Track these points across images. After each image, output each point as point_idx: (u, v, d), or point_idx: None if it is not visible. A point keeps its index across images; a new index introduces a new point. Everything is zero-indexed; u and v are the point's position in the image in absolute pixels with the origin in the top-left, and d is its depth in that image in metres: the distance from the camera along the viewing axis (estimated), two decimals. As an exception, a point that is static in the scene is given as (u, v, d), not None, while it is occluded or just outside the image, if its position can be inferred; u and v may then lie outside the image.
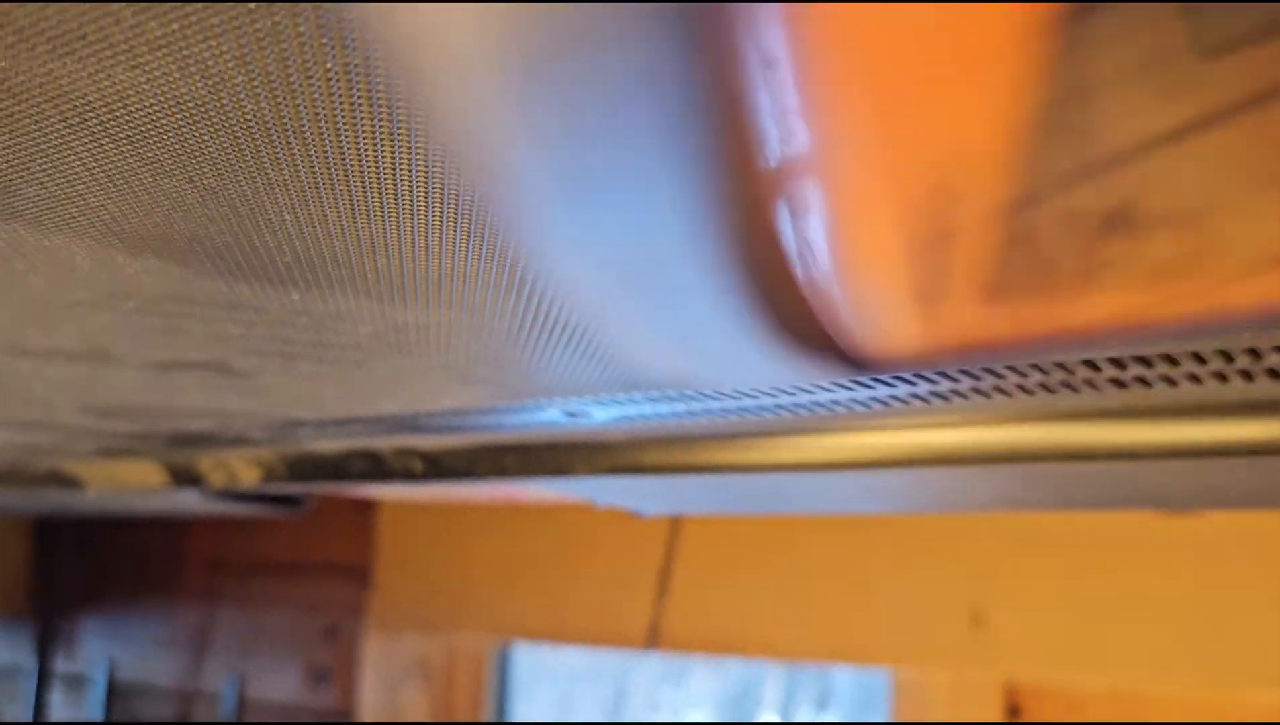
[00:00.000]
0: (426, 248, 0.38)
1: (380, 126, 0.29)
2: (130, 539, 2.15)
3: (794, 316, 0.16)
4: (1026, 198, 0.15)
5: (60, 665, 2.20)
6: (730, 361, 0.17)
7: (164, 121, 0.28)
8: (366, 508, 1.82)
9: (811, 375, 0.18)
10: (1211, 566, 1.16)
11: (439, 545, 1.72)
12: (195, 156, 0.31)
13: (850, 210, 0.15)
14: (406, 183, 0.32)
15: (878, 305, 0.16)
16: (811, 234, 0.15)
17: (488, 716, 1.83)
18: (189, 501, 1.18)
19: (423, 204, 0.34)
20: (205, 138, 0.29)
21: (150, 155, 0.31)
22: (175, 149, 0.30)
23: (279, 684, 1.90)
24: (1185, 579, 1.17)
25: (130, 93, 0.27)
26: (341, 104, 0.27)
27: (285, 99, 0.27)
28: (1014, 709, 1.31)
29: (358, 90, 0.26)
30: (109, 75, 0.26)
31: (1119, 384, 0.49)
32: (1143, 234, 0.15)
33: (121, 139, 0.29)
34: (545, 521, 1.62)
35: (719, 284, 0.15)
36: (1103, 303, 0.17)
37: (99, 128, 0.29)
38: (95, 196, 0.34)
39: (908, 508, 1.10)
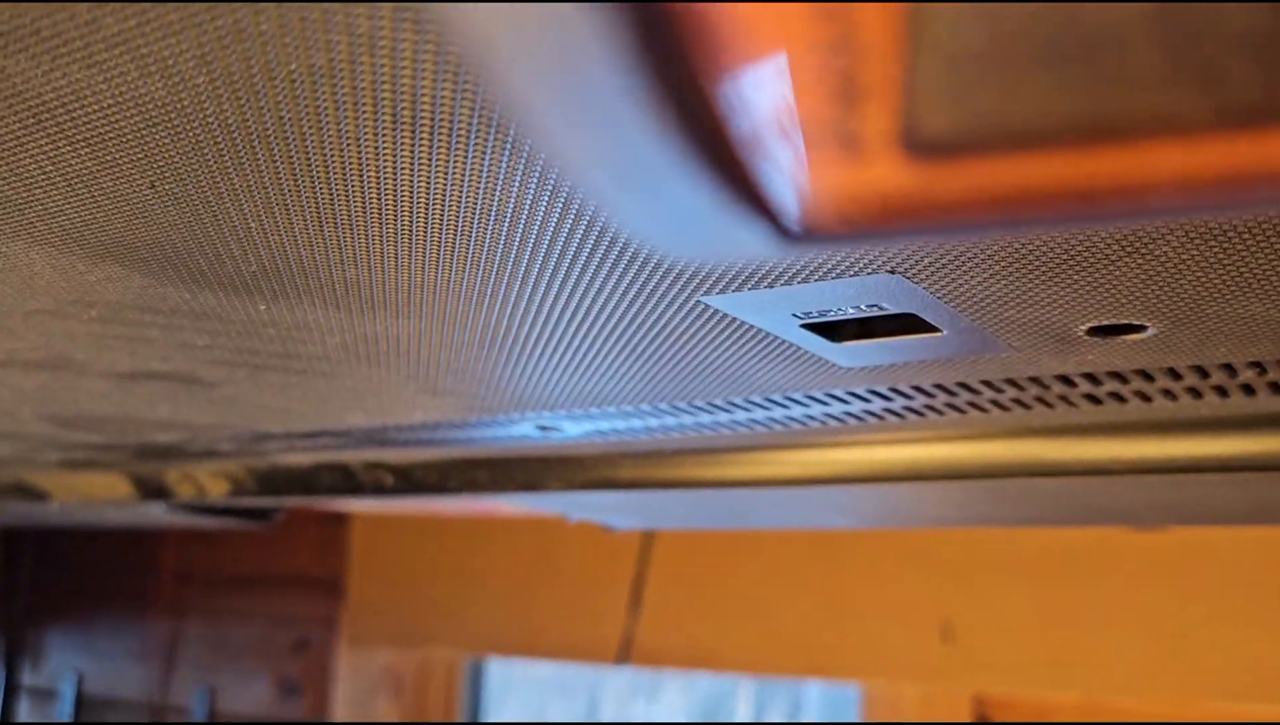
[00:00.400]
0: (396, 258, 0.37)
1: (346, 132, 0.28)
2: (98, 550, 2.12)
3: (729, 173, 0.16)
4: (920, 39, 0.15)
5: (27, 678, 2.17)
6: (674, 216, 0.17)
7: (123, 123, 0.28)
8: (338, 520, 1.80)
9: (745, 242, 0.18)
10: (1178, 581, 1.17)
11: (411, 558, 1.71)
12: (156, 161, 0.30)
13: (763, 61, 0.15)
14: (375, 191, 0.32)
15: (799, 162, 0.16)
16: (738, 89, 0.15)
17: (459, 732, 1.81)
18: (156, 514, 1.16)
19: (392, 213, 0.33)
20: (166, 141, 0.29)
21: (110, 159, 0.30)
22: (135, 153, 0.29)
23: (249, 697, 1.88)
24: (1152, 593, 1.18)
25: (87, 92, 0.26)
26: (306, 108, 0.27)
27: (248, 101, 0.26)
28: (982, 719, 1.31)
29: (322, 94, 0.26)
30: (64, 74, 0.25)
31: (1093, 400, 0.49)
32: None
33: (79, 141, 0.29)
34: (518, 535, 1.61)
35: (663, 139, 0.15)
36: (1028, 168, 0.16)
37: (55, 129, 0.28)
38: (54, 201, 0.33)
39: (880, 523, 1.09)
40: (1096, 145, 0.17)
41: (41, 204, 0.33)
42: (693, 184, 0.17)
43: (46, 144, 0.29)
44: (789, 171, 0.17)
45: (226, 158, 0.30)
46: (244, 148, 0.29)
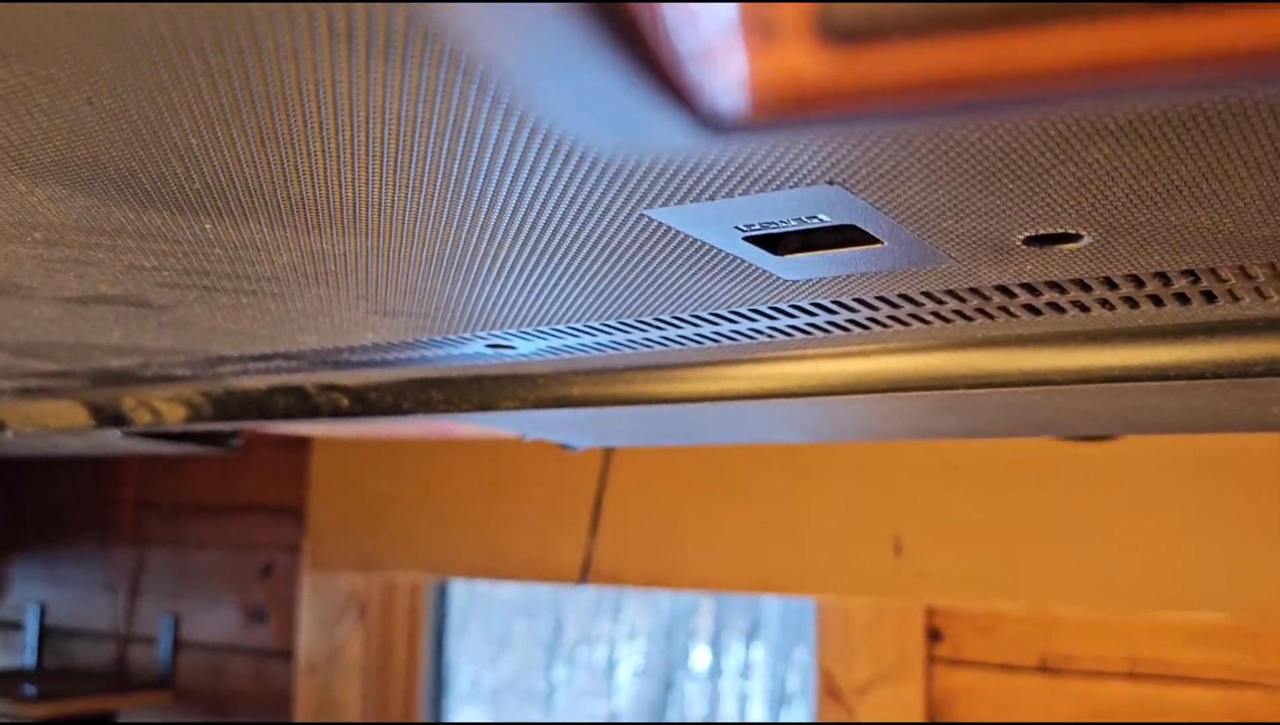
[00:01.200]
0: (340, 174, 0.37)
1: (283, 43, 0.28)
2: (59, 481, 2.11)
3: (646, 61, 0.16)
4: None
5: (-12, 610, 2.17)
6: (593, 106, 0.18)
7: (54, 34, 0.27)
8: (298, 445, 1.80)
9: (665, 132, 0.18)
10: (1123, 491, 1.20)
11: (372, 482, 1.72)
12: (91, 75, 0.30)
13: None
14: (314, 105, 0.32)
15: (717, 51, 0.16)
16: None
17: (425, 650, 1.84)
18: (114, 441, 1.16)
19: (332, 127, 0.33)
20: (99, 54, 0.28)
21: (44, 74, 0.30)
22: (69, 67, 0.29)
23: (215, 624, 1.89)
24: (1097, 504, 1.21)
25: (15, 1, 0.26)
26: (239, 17, 0.26)
27: (179, 10, 0.26)
28: (934, 631, 1.34)
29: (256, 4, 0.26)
30: (-10, -16, 0.25)
31: (1033, 310, 0.50)
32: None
33: (11, 55, 0.28)
34: (478, 456, 1.62)
35: (579, 27, 0.15)
36: (937, 56, 0.17)
37: (-15, 42, 0.28)
38: (-11, 117, 0.33)
39: (828, 437, 1.11)
40: (1011, 30, 0.17)
41: (-23, 121, 0.33)
42: (610, 72, 0.17)
43: (-23, 58, 0.29)
44: (706, 60, 0.17)
45: (162, 71, 0.30)
46: (179, 60, 0.29)
